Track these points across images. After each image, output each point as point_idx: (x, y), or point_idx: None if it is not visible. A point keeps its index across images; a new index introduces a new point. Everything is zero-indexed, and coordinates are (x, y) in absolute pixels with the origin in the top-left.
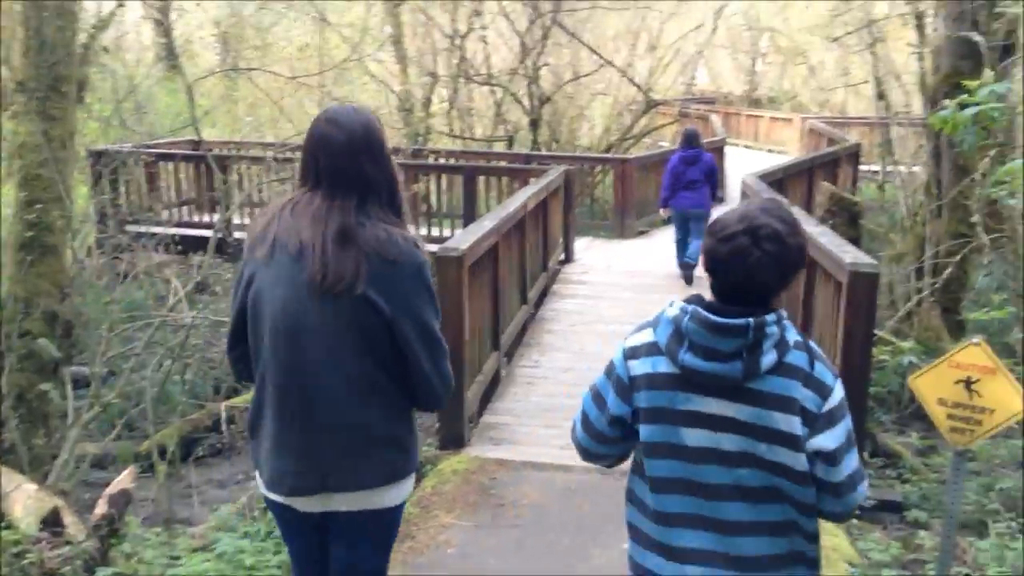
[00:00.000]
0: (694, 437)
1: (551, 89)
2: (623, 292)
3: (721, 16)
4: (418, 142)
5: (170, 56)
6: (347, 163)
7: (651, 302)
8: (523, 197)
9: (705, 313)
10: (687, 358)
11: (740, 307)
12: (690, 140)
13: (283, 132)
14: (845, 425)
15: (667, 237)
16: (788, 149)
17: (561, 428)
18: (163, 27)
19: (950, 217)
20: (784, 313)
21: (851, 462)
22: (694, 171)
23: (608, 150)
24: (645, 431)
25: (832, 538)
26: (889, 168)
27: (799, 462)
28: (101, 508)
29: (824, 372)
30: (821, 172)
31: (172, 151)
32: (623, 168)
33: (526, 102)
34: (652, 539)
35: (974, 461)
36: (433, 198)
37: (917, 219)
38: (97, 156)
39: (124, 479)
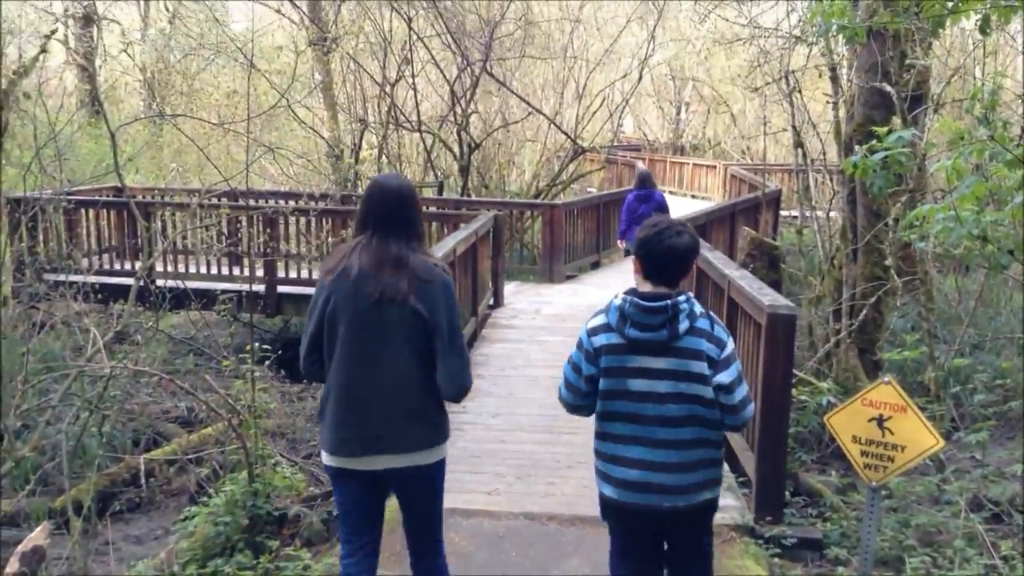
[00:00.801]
0: (637, 384)
1: (481, 136)
2: (552, 336)
3: (647, 66)
4: (347, 188)
5: (94, 102)
6: (397, 212)
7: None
8: (452, 242)
9: (639, 300)
10: (630, 332)
11: (664, 287)
12: (643, 181)
13: (209, 178)
14: (736, 367)
15: (596, 281)
16: (711, 195)
17: (488, 474)
18: (87, 73)
19: (865, 260)
20: (691, 294)
21: (742, 391)
22: (647, 207)
23: (537, 196)
24: (604, 383)
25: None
26: (807, 213)
27: (708, 393)
28: (13, 567)
29: (721, 332)
30: (743, 217)
31: (93, 198)
32: (551, 214)
33: (456, 148)
34: (607, 464)
35: (891, 498)
36: None
37: (834, 263)
38: (15, 203)
39: (37, 536)
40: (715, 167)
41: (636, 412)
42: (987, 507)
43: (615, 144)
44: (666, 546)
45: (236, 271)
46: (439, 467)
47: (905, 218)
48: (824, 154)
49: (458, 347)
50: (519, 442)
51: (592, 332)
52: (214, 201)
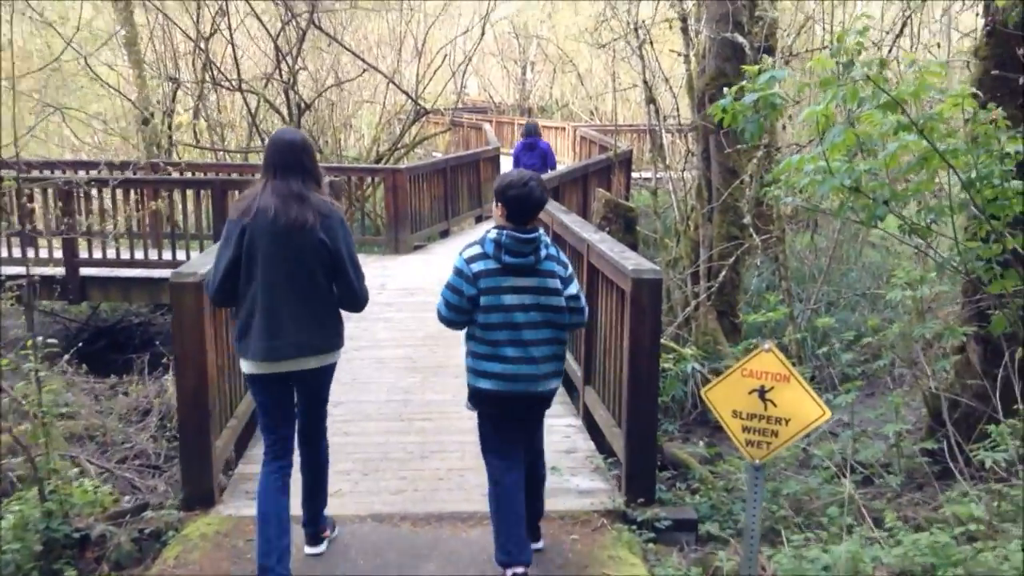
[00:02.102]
0: (509, 299)
1: (312, 96)
2: (399, 312)
3: (488, 22)
4: (158, 154)
5: None
6: (293, 158)
7: (430, 320)
8: None
9: (515, 233)
10: (506, 258)
11: (526, 226)
12: (529, 131)
13: None
14: (576, 281)
15: (446, 251)
16: (561, 158)
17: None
18: None
19: (721, 220)
20: (542, 230)
21: (582, 298)
22: (532, 156)
23: (379, 161)
24: (484, 300)
25: (631, 568)
26: (661, 174)
27: (560, 302)
28: None
29: (563, 256)
30: (595, 179)
31: None
32: (394, 179)
33: (284, 110)
34: (483, 363)
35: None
36: (181, 217)
37: (690, 223)
38: None
39: None
40: (564, 128)
41: (508, 320)
42: (858, 470)
43: (460, 107)
44: (524, 428)
45: (31, 253)
46: (334, 367)
47: (761, 175)
48: (677, 111)
49: (355, 268)
50: (365, 433)
51: (469, 260)
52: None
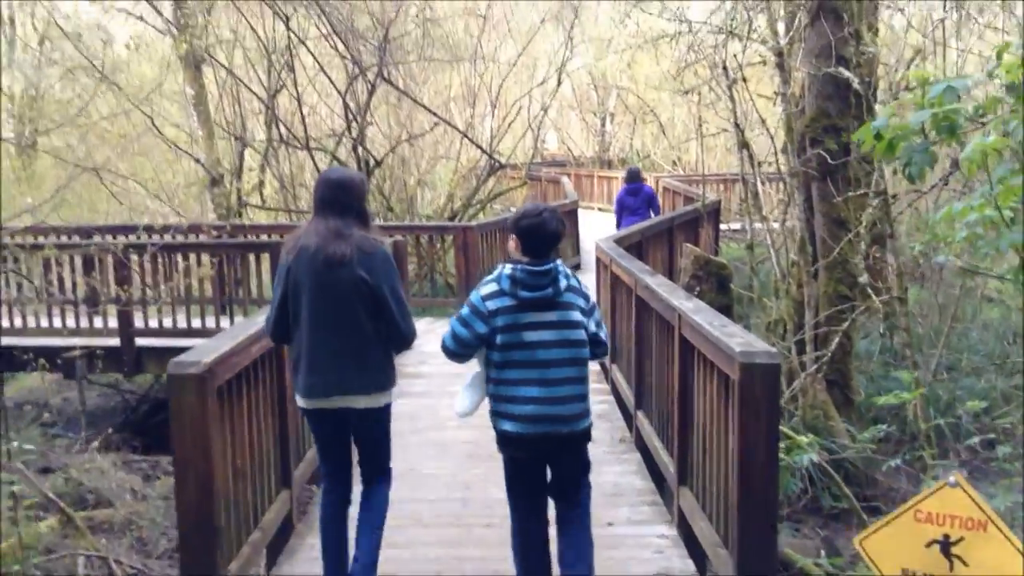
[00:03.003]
0: (529, 336)
1: (382, 152)
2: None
3: (564, 71)
4: (228, 216)
5: None
6: (336, 197)
7: None
8: None
9: (528, 267)
10: (523, 293)
11: (541, 259)
12: (633, 176)
13: (72, 215)
14: (598, 312)
15: None
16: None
17: None
18: None
19: (828, 278)
20: (560, 261)
21: (604, 330)
22: (637, 201)
23: (453, 218)
24: (501, 338)
25: None
26: (757, 225)
27: (582, 335)
28: None
29: (586, 288)
30: (681, 233)
31: None
32: (465, 236)
33: (353, 167)
34: (505, 404)
35: None
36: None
37: (791, 281)
38: None
39: None
40: (645, 180)
41: (529, 359)
42: None
43: (538, 161)
44: (551, 477)
45: (85, 322)
46: (387, 409)
47: (873, 224)
48: (775, 155)
49: (399, 306)
50: (415, 544)
51: (486, 297)
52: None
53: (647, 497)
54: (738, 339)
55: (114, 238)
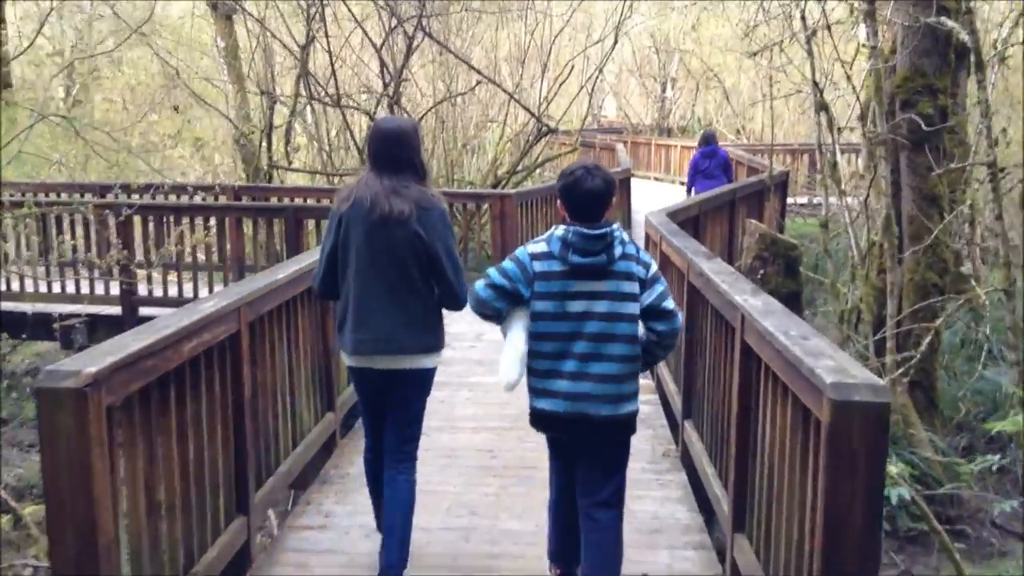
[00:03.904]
0: (576, 306)
1: (421, 112)
2: (489, 376)
3: (622, 29)
4: (258, 178)
5: None
6: (391, 151)
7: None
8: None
9: (582, 229)
10: (574, 258)
11: (592, 222)
12: (708, 139)
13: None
14: (662, 282)
15: None
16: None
17: None
18: None
19: (916, 264)
20: (618, 225)
21: (670, 301)
22: (711, 164)
23: (496, 185)
24: (540, 305)
25: None
26: (832, 200)
27: (636, 310)
28: None
29: (645, 254)
30: (744, 207)
31: None
32: (503, 206)
33: None
34: (543, 380)
35: None
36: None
37: (870, 265)
38: None
39: None
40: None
41: (573, 331)
42: None
43: (593, 126)
44: (582, 463)
45: (86, 288)
46: (433, 372)
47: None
48: (854, 121)
49: (454, 265)
50: None
51: (535, 256)
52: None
53: (693, 536)
54: (827, 362)
55: (103, 196)
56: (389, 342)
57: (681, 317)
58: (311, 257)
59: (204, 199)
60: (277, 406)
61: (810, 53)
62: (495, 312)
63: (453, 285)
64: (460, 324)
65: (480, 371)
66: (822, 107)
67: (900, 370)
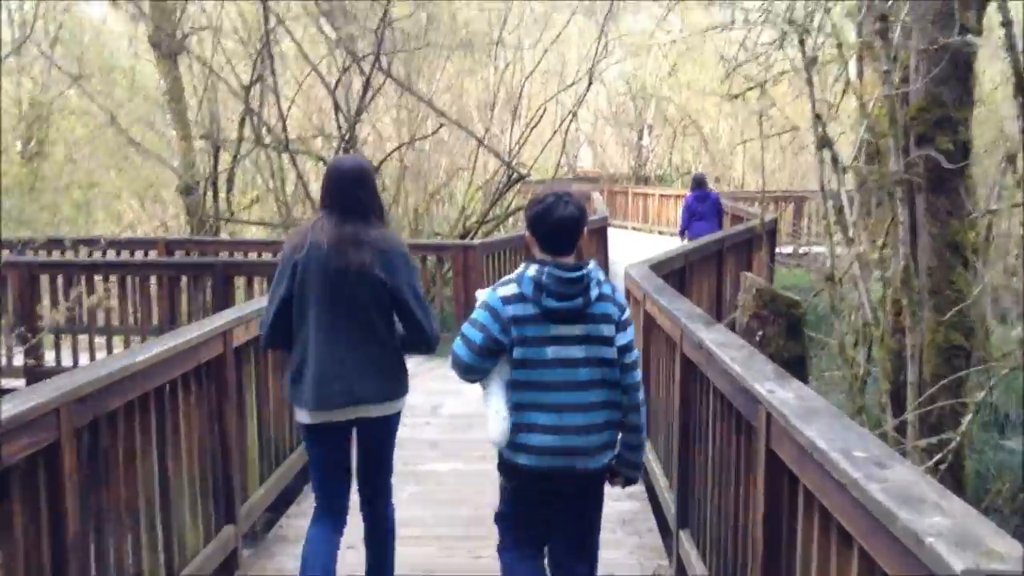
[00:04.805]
0: (551, 352)
1: (381, 158)
2: (444, 462)
3: (596, 70)
4: (206, 231)
5: None
6: (351, 193)
7: (490, 485)
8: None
9: (557, 271)
10: (549, 302)
11: (562, 255)
12: (699, 183)
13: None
14: (631, 328)
15: None
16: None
17: None
18: None
19: (937, 323)
20: (594, 263)
21: (635, 352)
22: (704, 207)
23: (465, 236)
24: (521, 352)
25: None
26: (838, 250)
27: (613, 354)
28: None
29: (620, 296)
30: (732, 257)
31: None
32: (465, 258)
33: None
34: (520, 433)
35: None
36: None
37: (885, 324)
38: None
39: None
40: (685, 197)
41: (549, 379)
42: None
43: (570, 176)
44: (553, 521)
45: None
46: (398, 417)
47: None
48: (857, 158)
49: (420, 306)
50: None
51: (505, 300)
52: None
53: None
54: (937, 519)
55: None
56: (353, 393)
57: (640, 389)
58: (198, 329)
59: (132, 255)
60: (138, 531)
61: (810, 83)
62: (484, 374)
63: (423, 326)
64: (415, 395)
65: (433, 457)
66: (825, 143)
67: (936, 457)
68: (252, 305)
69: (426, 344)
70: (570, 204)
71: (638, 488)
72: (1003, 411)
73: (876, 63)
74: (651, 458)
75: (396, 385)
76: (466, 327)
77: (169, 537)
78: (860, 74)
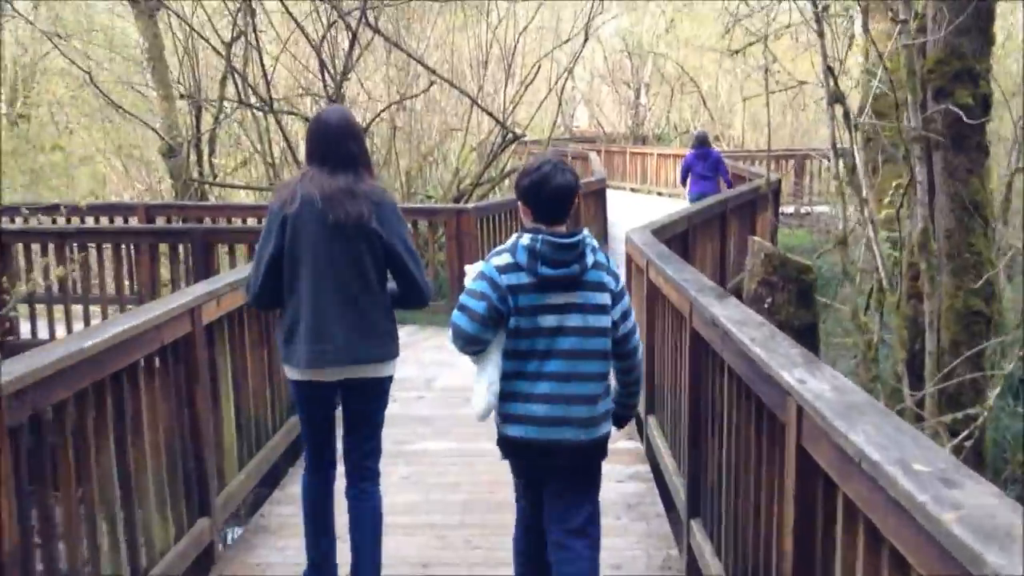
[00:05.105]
0: (548, 320)
1: (370, 118)
2: (437, 441)
3: (592, 26)
4: (190, 195)
5: None
6: (340, 146)
7: (486, 465)
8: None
9: (551, 237)
10: (544, 270)
11: (556, 223)
12: (701, 140)
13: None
14: (628, 296)
15: None
16: (682, 191)
17: None
18: None
19: (956, 288)
20: (587, 231)
21: (633, 318)
22: (705, 166)
23: (459, 199)
24: (515, 321)
25: None
26: (852, 211)
27: (607, 322)
28: None
29: (615, 266)
30: (735, 220)
31: None
32: (458, 223)
33: None
34: (514, 404)
35: None
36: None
37: (900, 289)
38: None
39: None
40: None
41: (546, 348)
42: None
43: (565, 137)
44: (549, 496)
45: None
46: (390, 381)
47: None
48: (861, 113)
49: (414, 259)
50: None
51: (500, 269)
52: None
53: None
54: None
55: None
56: (350, 351)
57: (641, 349)
58: (162, 307)
59: (112, 222)
60: (95, 534)
61: (820, 34)
62: (486, 344)
63: (416, 279)
64: (408, 367)
65: (426, 434)
66: (837, 98)
67: (963, 435)
68: (226, 277)
69: (420, 297)
70: (567, 172)
71: (643, 467)
72: (1016, 376)
73: (884, 16)
74: (656, 434)
75: (390, 345)
76: (465, 298)
77: (134, 536)
78: (866, 28)
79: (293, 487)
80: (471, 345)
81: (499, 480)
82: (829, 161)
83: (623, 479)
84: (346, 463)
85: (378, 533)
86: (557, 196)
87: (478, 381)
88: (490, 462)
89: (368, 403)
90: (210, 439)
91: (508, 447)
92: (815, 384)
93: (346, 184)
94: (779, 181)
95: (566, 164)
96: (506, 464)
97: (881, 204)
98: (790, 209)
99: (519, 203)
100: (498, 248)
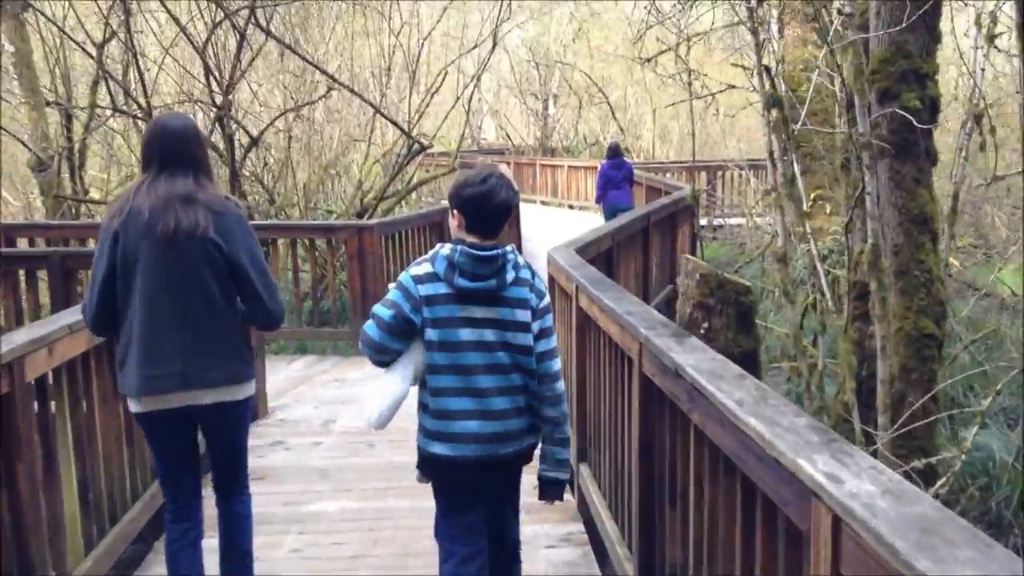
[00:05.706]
0: (465, 334)
1: (261, 127)
2: (335, 499)
3: (499, 32)
4: (62, 213)
5: None
6: (181, 151)
7: (391, 526)
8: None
9: (471, 249)
10: (460, 282)
11: (488, 238)
12: (614, 151)
13: None
14: (551, 316)
15: None
16: (592, 204)
17: None
18: None
19: (905, 308)
20: (512, 247)
21: (554, 339)
22: (620, 175)
23: (362, 214)
24: (431, 333)
25: None
26: (791, 227)
27: (528, 340)
28: None
29: (540, 282)
30: (657, 233)
31: None
32: (360, 241)
33: (221, 146)
34: (435, 420)
35: None
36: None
37: (843, 310)
38: None
39: None
40: (597, 168)
41: (465, 363)
42: None
43: (474, 149)
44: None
45: None
46: (247, 403)
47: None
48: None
49: (261, 276)
50: None
51: (418, 280)
52: None
53: None
54: None
55: None
56: (189, 376)
57: (559, 361)
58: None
59: None
60: None
61: (755, 32)
62: (394, 355)
63: (263, 297)
64: (303, 406)
65: (323, 491)
66: (775, 101)
67: (939, 484)
68: (61, 319)
69: (268, 318)
70: (508, 187)
71: (576, 527)
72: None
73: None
74: (591, 488)
75: (240, 366)
76: (377, 306)
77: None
78: (781, 32)
79: (158, 565)
80: (378, 353)
81: (410, 550)
82: (746, 172)
83: (554, 542)
84: (213, 481)
85: (248, 536)
86: (500, 211)
87: (378, 387)
88: (399, 526)
89: (222, 431)
90: (40, 526)
91: (429, 464)
92: (855, 484)
93: (185, 190)
94: (701, 193)
95: (506, 178)
96: (421, 530)
97: (801, 217)
98: (704, 221)
99: (453, 211)
100: (421, 258)
